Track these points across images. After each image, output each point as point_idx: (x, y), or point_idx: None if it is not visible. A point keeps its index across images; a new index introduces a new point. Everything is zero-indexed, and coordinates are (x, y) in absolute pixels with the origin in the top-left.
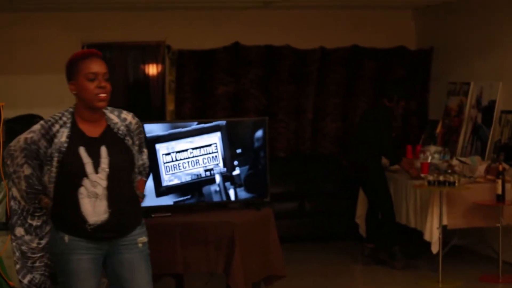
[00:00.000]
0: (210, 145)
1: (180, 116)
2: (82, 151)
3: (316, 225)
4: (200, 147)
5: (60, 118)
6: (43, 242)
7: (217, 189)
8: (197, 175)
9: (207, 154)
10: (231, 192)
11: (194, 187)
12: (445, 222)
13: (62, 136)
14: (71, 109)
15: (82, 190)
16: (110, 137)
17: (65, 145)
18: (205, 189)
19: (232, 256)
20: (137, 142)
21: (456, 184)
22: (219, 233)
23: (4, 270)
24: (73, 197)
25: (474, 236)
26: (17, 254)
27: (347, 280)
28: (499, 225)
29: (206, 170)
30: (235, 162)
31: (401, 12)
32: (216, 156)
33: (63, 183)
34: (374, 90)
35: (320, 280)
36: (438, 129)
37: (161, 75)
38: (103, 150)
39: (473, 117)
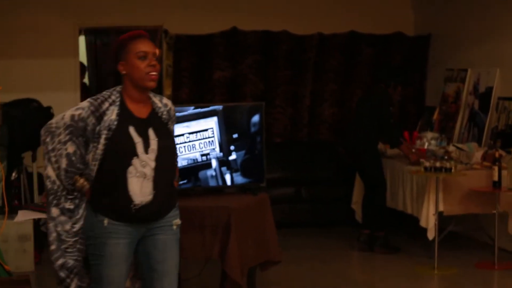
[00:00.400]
0: (206, 130)
1: (177, 101)
2: (132, 130)
3: (312, 211)
4: (196, 132)
5: (109, 97)
6: (77, 226)
7: (214, 174)
8: (194, 159)
9: (203, 138)
10: (228, 177)
11: (191, 171)
12: (441, 208)
13: (112, 114)
14: (118, 89)
15: (131, 169)
16: (156, 120)
17: (115, 123)
18: (201, 174)
19: (228, 241)
20: (171, 128)
21: (453, 171)
22: (215, 218)
23: (1, 254)
24: (121, 176)
25: (470, 223)
26: (54, 235)
27: (343, 266)
28: (495, 211)
29: (202, 155)
30: (232, 147)
31: None
32: (212, 141)
33: (110, 162)
34: (371, 77)
35: (317, 266)
36: (435, 116)
37: (158, 60)
38: (151, 132)
39: (470, 103)
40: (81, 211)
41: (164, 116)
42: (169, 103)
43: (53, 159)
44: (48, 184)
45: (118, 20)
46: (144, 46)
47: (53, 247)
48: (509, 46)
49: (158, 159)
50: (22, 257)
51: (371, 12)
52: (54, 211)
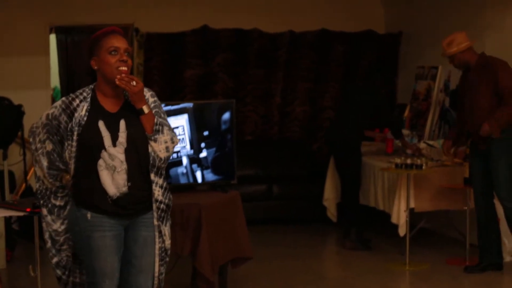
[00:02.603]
0: (177, 127)
1: None
2: (101, 124)
3: (283, 208)
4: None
5: (81, 94)
6: (66, 223)
7: (184, 171)
8: None
9: None
10: (198, 174)
11: None
12: (412, 205)
13: (82, 110)
14: (91, 86)
15: (100, 162)
16: (128, 111)
17: (85, 118)
18: (172, 171)
19: (199, 238)
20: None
21: (424, 167)
22: (185, 215)
23: None
24: (93, 169)
25: (441, 219)
26: (47, 234)
27: (314, 263)
28: (466, 208)
29: (173, 153)
30: (202, 145)
31: None
32: (183, 139)
33: (83, 157)
34: (343, 75)
35: (289, 263)
36: (406, 113)
37: (130, 57)
38: (122, 124)
39: (440, 101)
40: (69, 207)
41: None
42: (147, 94)
43: (38, 159)
44: (38, 185)
45: (89, 18)
46: (116, 42)
47: (48, 244)
48: (479, 44)
49: (127, 152)
50: None
51: (342, 9)
52: (43, 211)
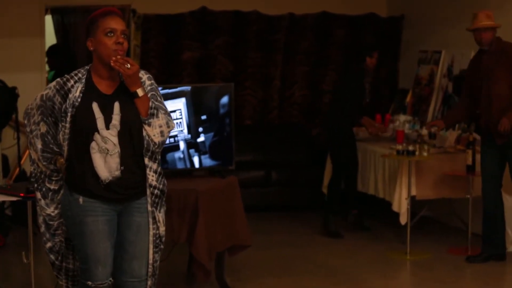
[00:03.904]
0: (174, 111)
1: None
2: (95, 106)
3: (282, 194)
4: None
5: (76, 75)
6: (60, 207)
7: (181, 156)
8: None
9: None
10: (196, 160)
11: None
12: (413, 193)
13: (76, 91)
14: (87, 67)
15: (93, 145)
16: (123, 93)
17: (79, 100)
18: (169, 156)
19: (196, 224)
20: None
21: (426, 154)
22: (182, 201)
23: None
24: (86, 152)
25: (443, 208)
26: (41, 218)
27: (313, 251)
28: (468, 196)
29: (170, 137)
30: (200, 129)
31: None
32: (180, 123)
33: (76, 139)
34: (343, 58)
35: (287, 251)
36: (408, 98)
37: (127, 39)
38: (116, 106)
39: (443, 86)
40: (63, 191)
41: None
42: (144, 76)
43: (32, 141)
44: (33, 169)
45: None
46: (113, 23)
47: (42, 229)
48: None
49: (121, 135)
50: None
51: None
52: (37, 195)
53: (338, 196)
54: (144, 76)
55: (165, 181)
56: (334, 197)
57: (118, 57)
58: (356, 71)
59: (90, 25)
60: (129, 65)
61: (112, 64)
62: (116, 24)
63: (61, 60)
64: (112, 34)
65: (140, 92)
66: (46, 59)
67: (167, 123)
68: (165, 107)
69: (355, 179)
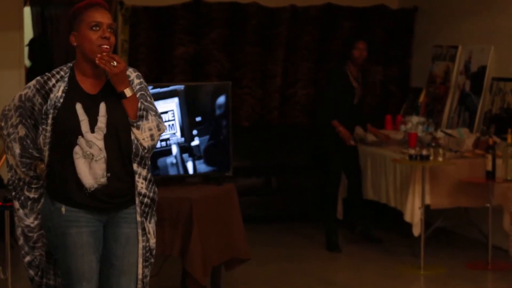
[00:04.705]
0: (166, 112)
1: None
2: (78, 107)
3: (284, 203)
4: None
5: (58, 73)
6: (40, 218)
7: (174, 161)
8: None
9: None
10: (189, 165)
11: None
12: (428, 201)
13: (58, 90)
14: (70, 64)
15: (77, 149)
16: (110, 93)
17: (61, 100)
18: (160, 162)
19: (189, 236)
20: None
21: (441, 159)
22: (175, 211)
23: None
24: (69, 157)
25: (460, 218)
26: (19, 229)
27: (317, 266)
28: (488, 205)
29: (161, 140)
30: (194, 132)
31: None
32: (173, 125)
33: (58, 143)
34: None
35: (289, 265)
36: (421, 98)
37: (114, 33)
38: (102, 108)
39: (460, 84)
40: (43, 200)
41: None
42: (132, 74)
43: (10, 145)
44: (11, 176)
45: None
46: (99, 16)
47: (20, 242)
48: (504, 20)
49: (107, 138)
50: None
51: None
52: (15, 204)
53: (334, 202)
54: (132, 74)
55: (156, 189)
56: (331, 203)
57: (104, 53)
58: (332, 67)
59: (74, 18)
60: (115, 63)
61: (97, 61)
62: (102, 17)
63: (37, 55)
64: (97, 28)
65: (128, 92)
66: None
67: (157, 125)
68: (156, 108)
69: (358, 186)
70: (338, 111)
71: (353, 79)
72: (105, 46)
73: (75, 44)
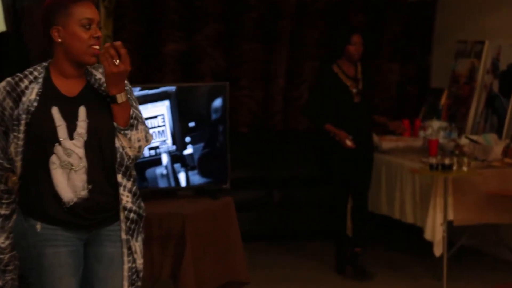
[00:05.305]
0: (155, 117)
1: None
2: (55, 111)
3: (287, 219)
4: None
5: (31, 73)
6: (11, 237)
7: (164, 172)
8: None
9: (151, 128)
10: (182, 176)
11: (135, 169)
12: (451, 217)
13: (32, 93)
14: (45, 64)
15: (53, 159)
16: (91, 95)
17: (35, 104)
18: (148, 172)
19: (182, 257)
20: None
21: (465, 169)
22: (165, 228)
23: None
24: (44, 168)
25: (488, 235)
26: None
27: None
28: None
29: (150, 149)
30: (187, 139)
31: None
32: (163, 131)
33: (32, 152)
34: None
35: None
36: (443, 100)
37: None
38: (82, 111)
39: (487, 84)
40: (15, 217)
41: (103, 88)
42: None
43: None
44: None
45: None
46: (90, 12)
47: None
48: None
49: (88, 146)
50: None
51: None
52: None
53: (342, 216)
54: None
55: (143, 204)
56: (338, 218)
57: (110, 45)
58: (319, 68)
59: (56, 10)
60: (117, 61)
61: (101, 52)
62: (93, 13)
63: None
64: (89, 27)
65: (120, 97)
66: None
67: (145, 136)
68: (141, 114)
69: (362, 202)
70: (333, 114)
71: (345, 77)
72: (96, 47)
73: (59, 40)
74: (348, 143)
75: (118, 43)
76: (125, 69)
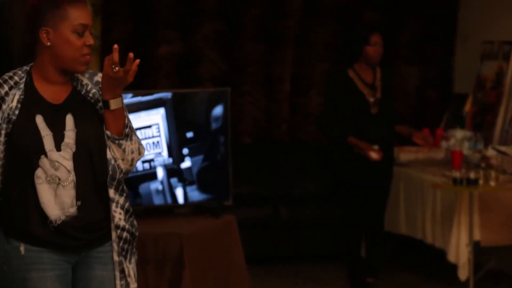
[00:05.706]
0: (150, 127)
1: None
2: (39, 120)
3: (295, 239)
4: (135, 130)
5: (11, 78)
6: None
7: (160, 187)
8: None
9: (145, 139)
10: (179, 192)
11: (128, 184)
12: (477, 237)
13: (13, 100)
14: (26, 67)
15: (39, 173)
16: (78, 102)
17: (16, 112)
18: (142, 188)
19: (180, 280)
20: None
21: (493, 184)
22: (161, 249)
23: None
24: (28, 183)
25: None
26: None
27: None
28: None
29: (144, 162)
30: (185, 151)
31: None
32: (158, 142)
33: (14, 166)
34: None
35: None
36: (467, 107)
37: None
38: (69, 120)
39: None
40: None
41: (90, 95)
42: (101, 78)
43: None
44: None
45: None
46: (85, 17)
47: None
48: None
49: (77, 157)
50: None
51: None
52: None
53: (356, 236)
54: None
55: (135, 222)
56: (351, 239)
57: (116, 46)
58: (330, 72)
59: (47, 9)
60: (116, 69)
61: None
62: (88, 19)
63: None
64: (82, 33)
65: (113, 103)
66: None
67: (138, 148)
68: (131, 124)
69: (378, 221)
70: (346, 126)
71: (362, 84)
72: (88, 57)
73: (48, 43)
74: (373, 155)
75: (131, 55)
76: (126, 78)
